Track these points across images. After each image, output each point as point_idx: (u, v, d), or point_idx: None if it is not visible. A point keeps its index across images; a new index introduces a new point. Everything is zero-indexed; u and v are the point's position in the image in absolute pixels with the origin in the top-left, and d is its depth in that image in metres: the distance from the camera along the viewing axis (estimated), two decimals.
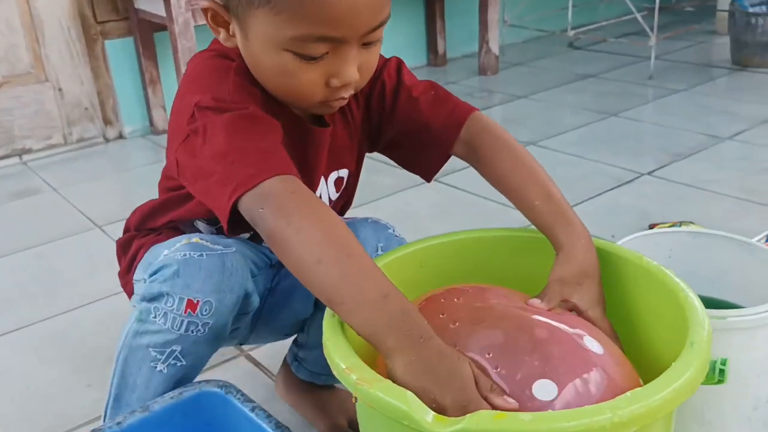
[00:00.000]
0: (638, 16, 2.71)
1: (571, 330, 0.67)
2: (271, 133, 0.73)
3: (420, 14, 3.01)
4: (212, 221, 0.89)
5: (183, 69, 1.60)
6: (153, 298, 0.78)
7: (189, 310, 0.77)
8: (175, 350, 0.79)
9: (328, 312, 0.69)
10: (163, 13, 2.05)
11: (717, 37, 3.20)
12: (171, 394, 0.80)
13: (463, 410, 0.57)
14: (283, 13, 0.69)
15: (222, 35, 0.77)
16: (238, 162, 0.69)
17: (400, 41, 2.90)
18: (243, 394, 0.80)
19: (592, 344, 0.66)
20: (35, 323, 1.35)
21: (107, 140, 2.39)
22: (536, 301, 0.73)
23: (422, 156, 0.91)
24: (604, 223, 1.56)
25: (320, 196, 0.89)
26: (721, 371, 0.63)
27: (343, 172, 0.91)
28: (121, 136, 2.41)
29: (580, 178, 1.83)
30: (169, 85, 2.40)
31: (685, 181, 1.77)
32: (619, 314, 0.75)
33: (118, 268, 0.97)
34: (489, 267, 0.86)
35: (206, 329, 0.78)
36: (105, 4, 2.28)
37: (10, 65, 2.19)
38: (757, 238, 1.43)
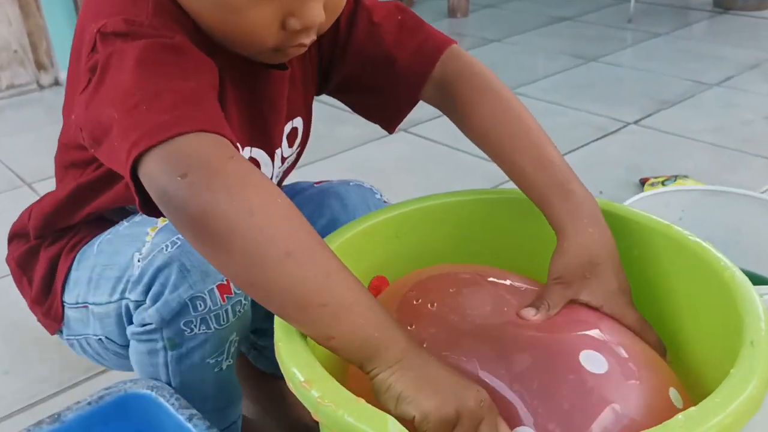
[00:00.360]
0: None
1: (564, 345, 0.54)
2: (201, 72, 0.52)
3: None
4: None
5: None
6: (175, 316, 0.61)
7: (224, 294, 0.61)
8: (233, 339, 0.65)
9: None
10: None
11: None
12: (89, 399, 0.65)
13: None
14: None
15: None
16: (146, 104, 0.48)
17: None
18: (179, 398, 0.64)
19: (592, 362, 0.52)
20: None
21: (41, 87, 2.17)
22: (530, 312, 0.57)
23: (383, 100, 0.71)
24: (591, 178, 1.40)
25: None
26: None
27: (297, 122, 0.72)
28: (57, 83, 2.19)
29: (560, 128, 1.68)
30: None
31: (674, 130, 1.64)
32: (643, 301, 0.61)
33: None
34: (476, 236, 0.71)
35: (248, 298, 0.64)
36: None
37: None
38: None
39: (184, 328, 0.62)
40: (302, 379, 0.47)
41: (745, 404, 0.43)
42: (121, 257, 0.63)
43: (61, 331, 0.73)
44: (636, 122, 1.70)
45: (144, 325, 0.62)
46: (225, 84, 0.59)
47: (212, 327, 0.62)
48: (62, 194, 0.69)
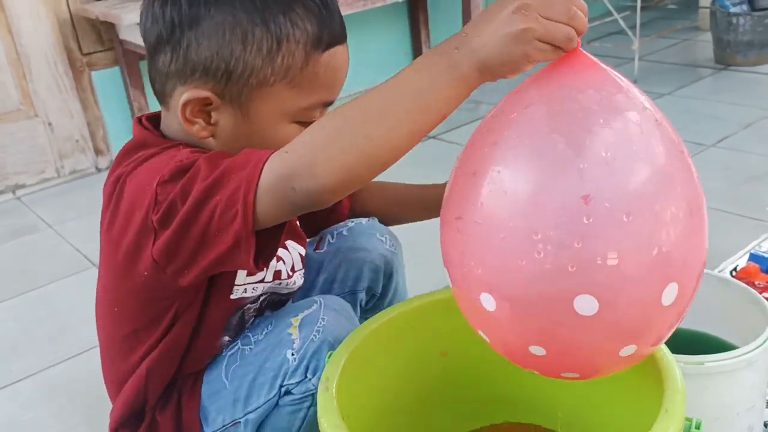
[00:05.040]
0: (619, 18, 2.73)
1: None
2: None
3: (404, 24, 3.03)
4: (231, 329, 0.86)
5: None
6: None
7: None
8: None
9: (321, 386, 0.71)
10: None
11: (700, 33, 3.21)
12: None
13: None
14: (300, 85, 0.73)
15: (197, 126, 0.75)
16: (231, 165, 0.67)
17: (385, 51, 2.92)
18: None
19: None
20: (41, 371, 1.37)
21: (99, 170, 2.42)
22: None
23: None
24: None
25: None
26: None
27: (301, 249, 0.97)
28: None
29: None
30: None
31: None
32: None
33: None
34: None
35: None
36: (89, 35, 2.29)
37: None
38: (741, 253, 1.46)
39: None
40: None
41: None
42: (272, 362, 0.79)
43: None
44: None
45: (306, 391, 0.80)
46: None
47: None
48: (141, 377, 0.82)
